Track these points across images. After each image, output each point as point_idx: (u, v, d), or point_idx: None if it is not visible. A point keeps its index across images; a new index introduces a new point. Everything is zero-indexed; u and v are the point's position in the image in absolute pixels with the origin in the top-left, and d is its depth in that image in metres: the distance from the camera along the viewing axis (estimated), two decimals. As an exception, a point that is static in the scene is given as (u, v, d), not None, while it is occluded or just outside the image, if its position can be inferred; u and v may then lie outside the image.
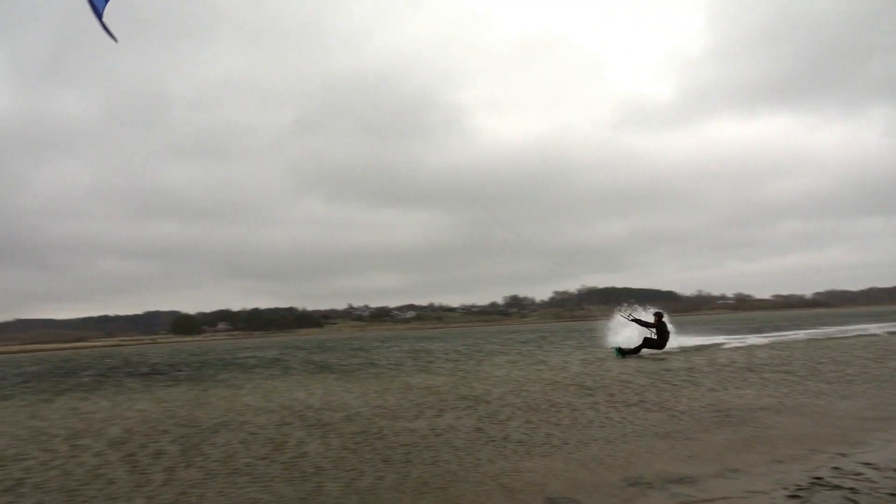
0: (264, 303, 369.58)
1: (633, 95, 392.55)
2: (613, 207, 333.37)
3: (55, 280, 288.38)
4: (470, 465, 8.08)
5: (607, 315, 28.73)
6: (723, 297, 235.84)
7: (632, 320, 25.01)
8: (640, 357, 23.64)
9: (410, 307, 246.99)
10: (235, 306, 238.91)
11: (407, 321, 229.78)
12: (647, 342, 24.38)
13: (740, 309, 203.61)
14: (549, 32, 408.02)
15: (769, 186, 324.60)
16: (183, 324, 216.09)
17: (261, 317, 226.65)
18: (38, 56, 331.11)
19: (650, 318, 25.07)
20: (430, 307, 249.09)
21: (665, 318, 25.06)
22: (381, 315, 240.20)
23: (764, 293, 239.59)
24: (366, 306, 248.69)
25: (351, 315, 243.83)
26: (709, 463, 7.75)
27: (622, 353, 24.14)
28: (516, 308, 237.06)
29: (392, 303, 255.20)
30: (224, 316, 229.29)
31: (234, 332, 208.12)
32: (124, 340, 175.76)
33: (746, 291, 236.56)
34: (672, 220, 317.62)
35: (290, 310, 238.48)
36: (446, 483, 7.35)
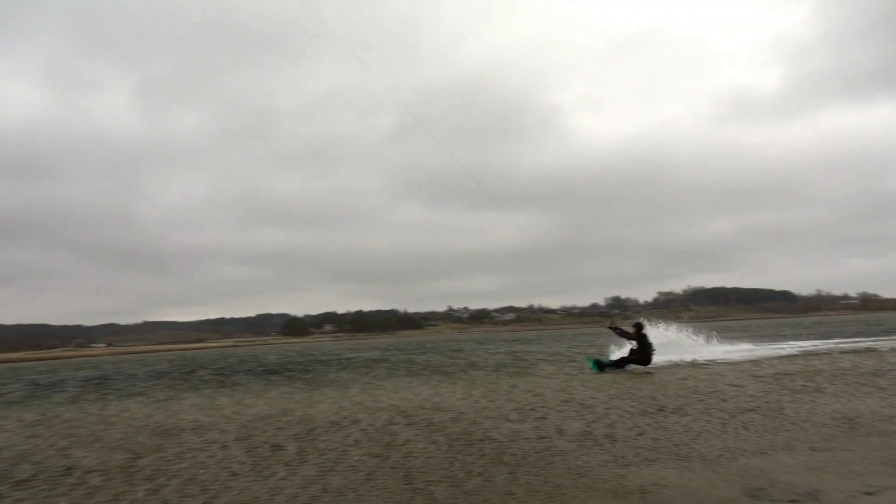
0: (367, 305, 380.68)
1: (737, 87, 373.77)
2: (720, 204, 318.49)
3: (177, 285, 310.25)
4: (578, 470, 8.01)
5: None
6: (845, 297, 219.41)
7: (612, 327, 22.45)
8: (629, 372, 20.92)
9: (510, 309, 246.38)
10: (340, 309, 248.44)
11: (506, 323, 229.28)
12: (632, 355, 21.72)
13: (865, 310, 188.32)
14: (645, 26, 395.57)
15: (893, 177, 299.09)
16: (292, 325, 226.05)
17: (364, 319, 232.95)
18: (163, 79, 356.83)
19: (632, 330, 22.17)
20: (530, 309, 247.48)
21: (646, 331, 22.12)
22: (481, 317, 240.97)
23: (893, 292, 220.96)
24: (465, 308, 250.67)
25: (451, 317, 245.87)
26: (838, 476, 7.29)
27: (600, 366, 21.66)
28: (618, 309, 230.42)
29: (491, 304, 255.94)
30: (330, 318, 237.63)
31: (339, 334, 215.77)
32: (239, 341, 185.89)
33: (872, 290, 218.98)
34: (785, 216, 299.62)
35: (392, 312, 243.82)
36: (554, 487, 7.33)
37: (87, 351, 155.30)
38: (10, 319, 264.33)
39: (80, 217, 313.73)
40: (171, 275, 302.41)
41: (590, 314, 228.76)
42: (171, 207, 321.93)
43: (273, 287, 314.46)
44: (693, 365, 22.45)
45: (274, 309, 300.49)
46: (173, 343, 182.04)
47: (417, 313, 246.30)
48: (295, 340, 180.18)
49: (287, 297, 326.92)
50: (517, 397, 15.21)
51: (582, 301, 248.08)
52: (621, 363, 21.70)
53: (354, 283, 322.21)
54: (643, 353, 21.56)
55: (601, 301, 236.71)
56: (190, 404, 17.82)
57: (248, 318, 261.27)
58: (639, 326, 22.09)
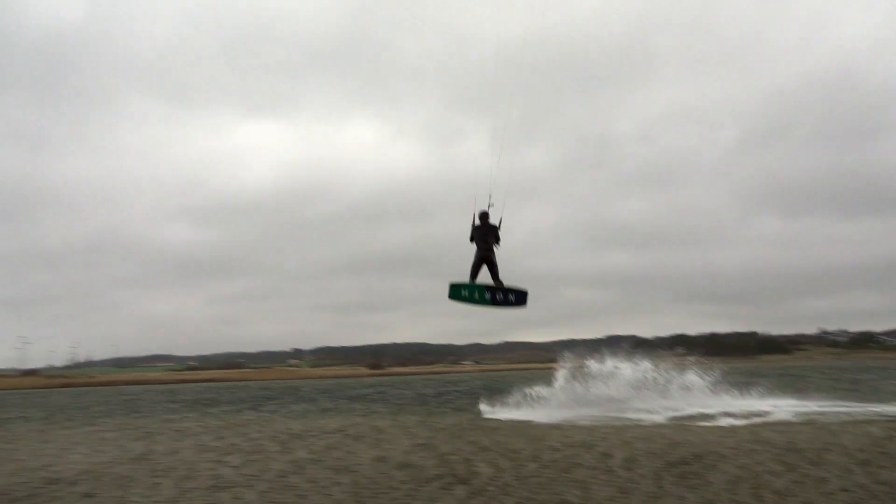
0: (722, 327, 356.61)
1: None
2: None
3: (532, 308, 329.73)
4: None
5: None
6: None
7: None
8: None
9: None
10: (691, 331, 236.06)
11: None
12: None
13: None
14: None
15: None
16: (641, 347, 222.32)
17: (719, 341, 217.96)
18: (513, 121, 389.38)
19: None
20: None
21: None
22: (864, 340, 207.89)
23: None
24: (843, 331, 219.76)
25: (824, 340, 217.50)
26: None
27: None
28: None
29: (877, 326, 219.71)
30: (680, 340, 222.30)
31: (690, 358, 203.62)
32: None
33: None
34: None
35: (752, 334, 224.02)
36: None
37: (458, 367, 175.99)
38: (400, 338, 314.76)
39: (451, 250, 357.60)
40: (529, 300, 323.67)
41: None
42: (526, 236, 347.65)
43: (620, 308, 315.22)
44: None
45: (621, 330, 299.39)
46: (529, 362, 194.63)
47: (783, 336, 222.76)
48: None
49: (634, 318, 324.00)
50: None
51: None
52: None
53: (707, 304, 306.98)
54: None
55: None
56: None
57: (597, 339, 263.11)
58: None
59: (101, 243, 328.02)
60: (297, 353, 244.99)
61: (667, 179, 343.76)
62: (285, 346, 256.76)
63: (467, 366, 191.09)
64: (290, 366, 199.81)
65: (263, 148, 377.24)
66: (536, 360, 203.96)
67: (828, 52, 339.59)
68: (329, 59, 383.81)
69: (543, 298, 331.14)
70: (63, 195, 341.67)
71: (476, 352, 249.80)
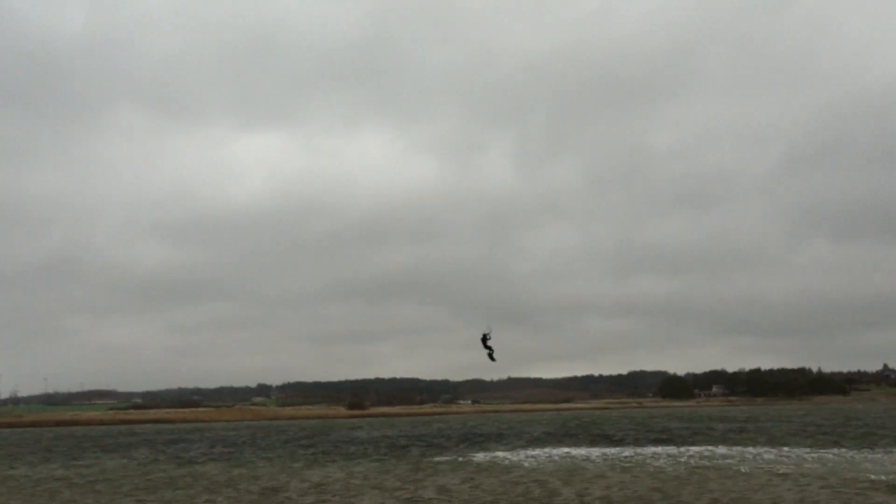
0: (767, 363, 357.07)
1: None
2: None
3: (545, 339, 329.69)
4: None
5: None
6: None
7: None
8: None
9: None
10: (731, 367, 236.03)
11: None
12: None
13: None
14: None
15: None
16: (671, 385, 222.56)
17: (763, 379, 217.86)
18: (537, 134, 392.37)
19: None
20: None
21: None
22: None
23: None
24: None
25: (889, 379, 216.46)
26: None
27: None
28: None
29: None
30: (718, 377, 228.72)
31: (731, 398, 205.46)
32: (610, 403, 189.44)
33: None
34: None
35: (802, 371, 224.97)
36: None
37: (454, 408, 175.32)
38: (387, 373, 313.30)
39: (457, 274, 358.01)
40: (540, 329, 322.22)
41: None
42: (543, 260, 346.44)
43: (647, 341, 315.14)
44: None
45: (648, 366, 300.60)
46: (538, 402, 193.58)
47: (838, 374, 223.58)
48: (676, 404, 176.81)
49: (664, 352, 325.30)
50: None
51: None
52: None
53: (748, 337, 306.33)
54: None
55: None
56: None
57: (619, 376, 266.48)
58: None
59: (60, 263, 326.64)
60: (264, 390, 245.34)
61: (705, 199, 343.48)
62: (250, 381, 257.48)
63: (464, 406, 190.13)
64: (254, 404, 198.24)
65: (261, 160, 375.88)
66: (546, 399, 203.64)
67: (883, 72, 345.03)
68: (338, 68, 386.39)
69: (559, 328, 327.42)
70: (29, 210, 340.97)
71: (476, 389, 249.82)
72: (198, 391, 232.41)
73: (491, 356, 27.44)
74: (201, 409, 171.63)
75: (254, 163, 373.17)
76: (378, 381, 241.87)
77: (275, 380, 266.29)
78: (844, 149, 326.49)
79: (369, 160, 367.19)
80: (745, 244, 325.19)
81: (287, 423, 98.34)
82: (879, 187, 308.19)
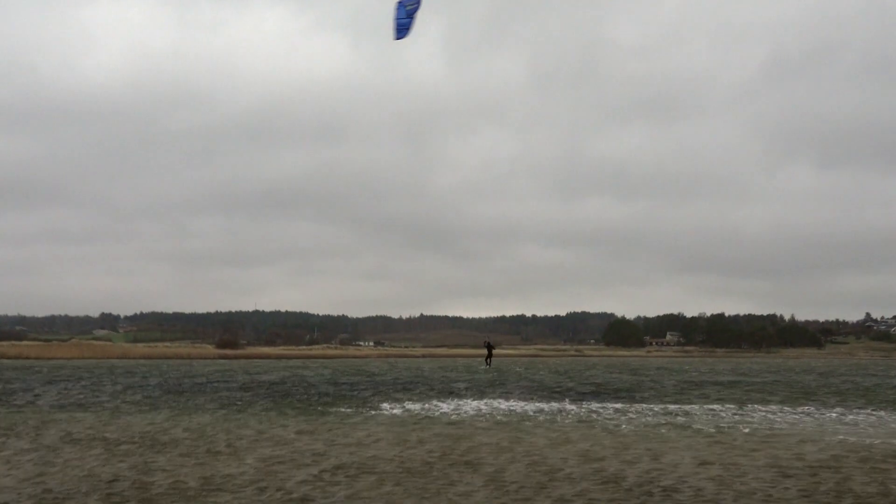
0: (732, 307, 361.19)
1: None
2: None
3: (467, 271, 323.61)
4: None
5: None
6: None
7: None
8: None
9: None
10: (689, 311, 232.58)
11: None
12: None
13: None
14: None
15: None
16: (618, 331, 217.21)
17: (726, 327, 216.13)
18: (473, 22, 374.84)
19: None
20: None
21: None
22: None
23: None
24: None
25: (870, 330, 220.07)
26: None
27: None
28: None
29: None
30: (674, 322, 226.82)
31: (688, 347, 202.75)
32: (543, 349, 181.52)
33: None
34: None
35: (771, 319, 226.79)
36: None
37: (353, 351, 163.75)
38: (270, 305, 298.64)
39: (365, 185, 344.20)
40: (462, 257, 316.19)
41: None
42: (471, 172, 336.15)
43: (592, 277, 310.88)
44: None
45: (592, 307, 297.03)
46: (455, 345, 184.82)
47: (813, 323, 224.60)
48: (622, 353, 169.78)
49: (611, 291, 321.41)
50: None
51: None
52: None
53: (711, 276, 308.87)
54: None
55: None
56: None
57: (557, 318, 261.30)
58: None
59: None
60: (109, 321, 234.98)
61: (670, 108, 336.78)
62: (92, 310, 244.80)
63: (364, 348, 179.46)
64: (96, 338, 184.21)
65: (118, 30, 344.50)
66: (466, 343, 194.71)
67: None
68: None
69: (487, 257, 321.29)
70: None
71: (380, 328, 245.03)
72: (22, 320, 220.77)
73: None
74: (26, 342, 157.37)
75: (110, 33, 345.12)
76: (257, 314, 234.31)
77: (124, 309, 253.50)
78: (838, 55, 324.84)
79: (261, 38, 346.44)
80: (714, 165, 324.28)
81: (136, 362, 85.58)
82: (876, 104, 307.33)
